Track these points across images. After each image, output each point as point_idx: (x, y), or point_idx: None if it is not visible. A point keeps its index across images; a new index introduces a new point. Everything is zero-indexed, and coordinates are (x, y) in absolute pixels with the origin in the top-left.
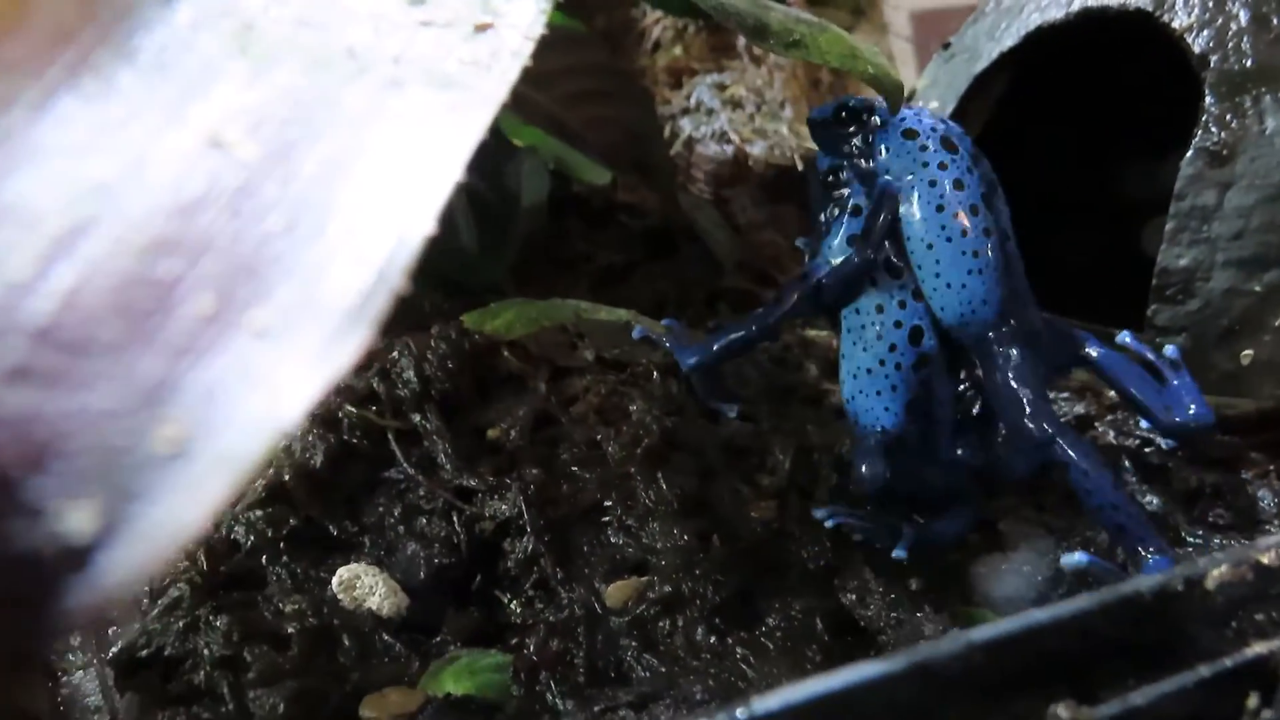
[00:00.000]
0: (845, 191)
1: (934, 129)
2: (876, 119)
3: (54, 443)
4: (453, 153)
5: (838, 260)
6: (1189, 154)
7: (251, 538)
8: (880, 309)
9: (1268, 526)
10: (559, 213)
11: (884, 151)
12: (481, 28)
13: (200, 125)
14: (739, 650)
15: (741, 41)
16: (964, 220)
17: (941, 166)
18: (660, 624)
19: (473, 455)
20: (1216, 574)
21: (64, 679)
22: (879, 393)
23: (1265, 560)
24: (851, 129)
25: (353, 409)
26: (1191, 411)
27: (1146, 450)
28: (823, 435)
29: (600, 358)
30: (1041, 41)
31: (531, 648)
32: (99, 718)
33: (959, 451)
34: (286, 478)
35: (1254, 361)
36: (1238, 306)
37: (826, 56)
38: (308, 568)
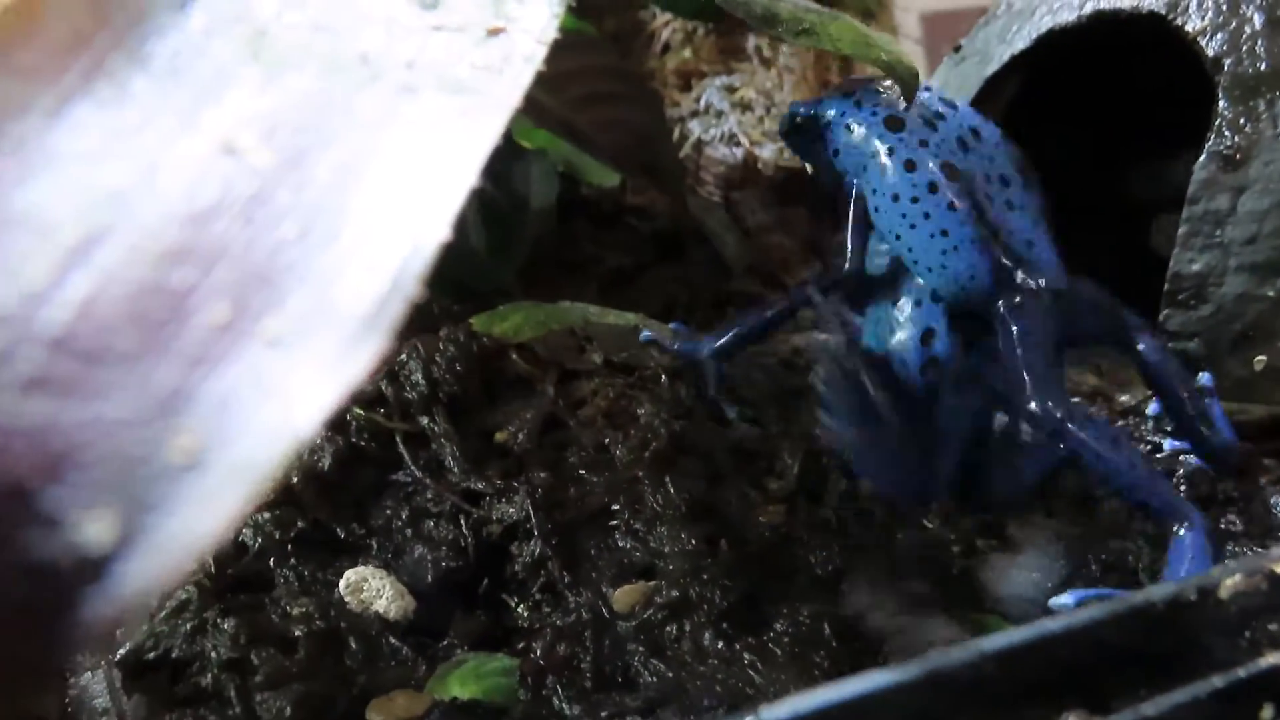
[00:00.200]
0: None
1: (873, 114)
2: (825, 120)
3: (70, 453)
4: (466, 158)
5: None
6: (1202, 158)
7: (259, 540)
8: (898, 306)
9: None
10: (568, 215)
11: (838, 153)
12: (494, 32)
13: (214, 132)
14: (746, 656)
15: (751, 44)
16: (924, 203)
17: (890, 152)
18: (667, 629)
19: (480, 458)
20: (1230, 583)
21: (72, 680)
22: None
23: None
24: (810, 137)
25: (361, 411)
26: (1223, 436)
27: (1158, 456)
28: (831, 439)
29: (609, 361)
30: (1053, 44)
31: (538, 652)
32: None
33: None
34: (294, 480)
35: (1267, 367)
36: (1251, 312)
37: (838, 44)
38: (315, 570)
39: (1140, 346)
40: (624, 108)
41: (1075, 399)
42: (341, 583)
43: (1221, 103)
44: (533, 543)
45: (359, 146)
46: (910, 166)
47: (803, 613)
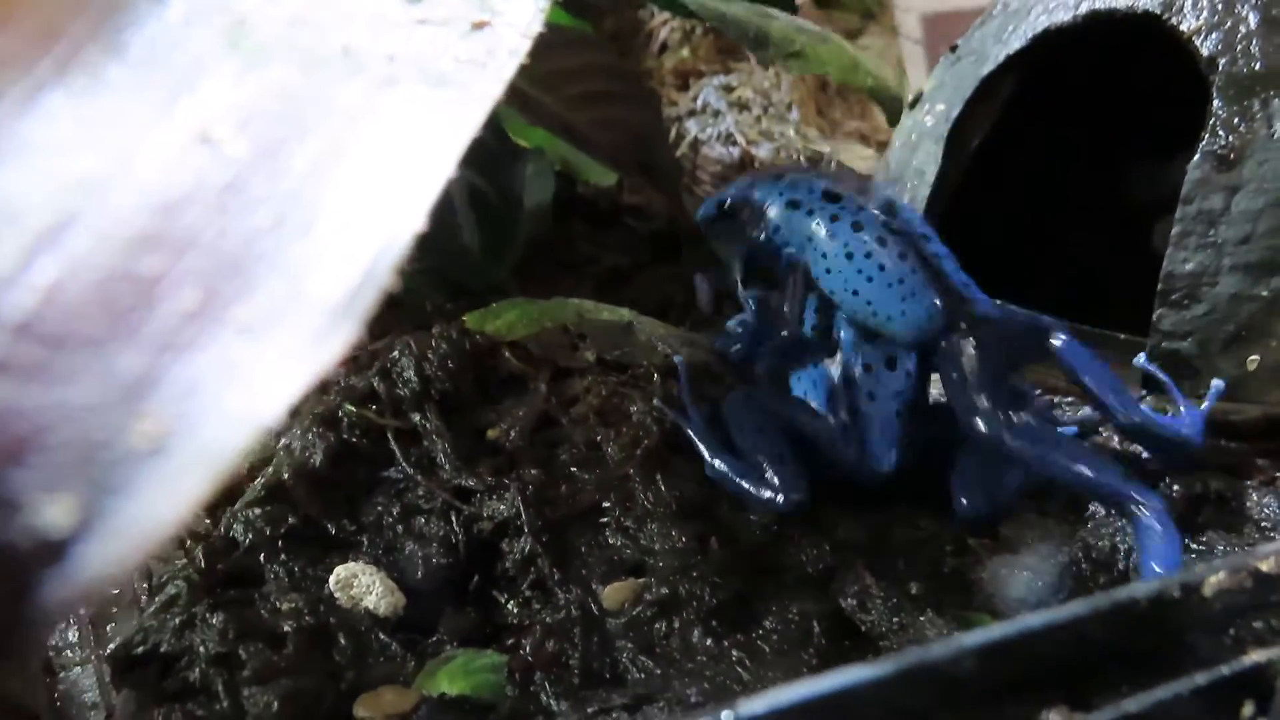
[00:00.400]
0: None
1: (811, 189)
2: (761, 202)
3: (32, 436)
4: (445, 150)
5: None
6: (1196, 157)
7: (250, 536)
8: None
9: (1272, 534)
10: (564, 214)
11: (777, 229)
12: (479, 25)
13: (189, 121)
14: (735, 653)
15: None
16: (877, 257)
17: (834, 219)
18: (657, 626)
19: (472, 455)
20: (1214, 581)
21: (61, 675)
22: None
23: (1264, 567)
24: (741, 218)
25: (353, 408)
26: (1185, 431)
27: (1145, 456)
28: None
29: (601, 359)
30: (1048, 44)
31: (527, 648)
32: (95, 714)
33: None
34: (286, 476)
35: (1260, 367)
36: (1244, 312)
37: (827, 67)
38: (305, 566)
39: (1054, 341)
40: (621, 107)
41: (1069, 399)
42: (331, 579)
43: (1216, 102)
44: (523, 540)
45: (337, 138)
46: (858, 227)
47: (792, 611)
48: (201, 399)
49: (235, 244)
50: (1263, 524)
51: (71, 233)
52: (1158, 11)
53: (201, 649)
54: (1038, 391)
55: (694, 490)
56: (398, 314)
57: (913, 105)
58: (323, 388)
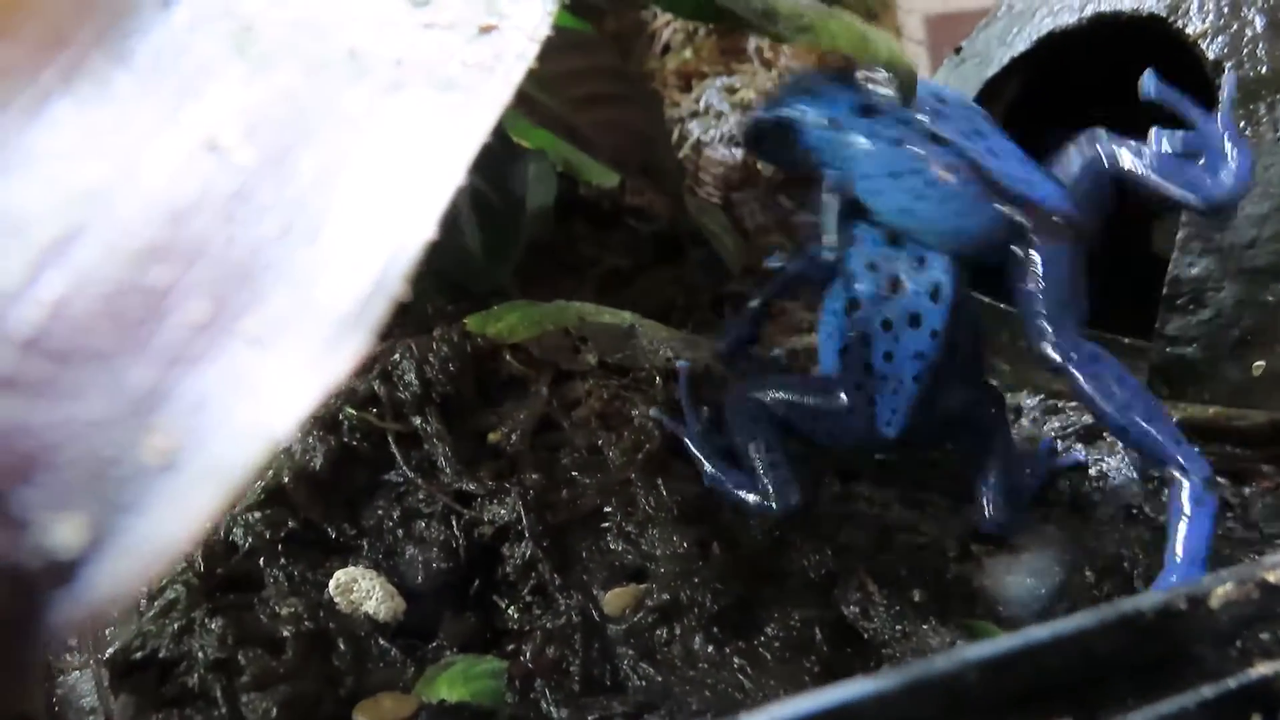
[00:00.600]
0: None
1: (847, 104)
2: (795, 120)
3: (41, 454)
4: (454, 156)
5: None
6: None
7: (249, 540)
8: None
9: (1279, 541)
10: (566, 216)
11: (812, 149)
12: (486, 29)
13: (196, 128)
14: (736, 660)
15: (752, 45)
16: (924, 173)
17: (875, 136)
18: (658, 632)
19: (473, 459)
20: (1221, 592)
21: (60, 679)
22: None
23: (1271, 578)
24: (777, 140)
25: (353, 411)
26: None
27: None
28: None
29: (603, 362)
30: (1053, 46)
31: (528, 654)
32: (94, 719)
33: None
34: (286, 480)
35: (1265, 372)
36: (1249, 317)
37: (837, 41)
38: (305, 570)
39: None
40: (623, 108)
41: (1073, 404)
42: (331, 583)
43: None
44: (524, 544)
45: (344, 144)
46: (900, 143)
47: (794, 617)
48: (212, 413)
49: (244, 253)
50: (1269, 532)
51: (78, 245)
52: (1163, 14)
53: (200, 654)
54: (1039, 398)
55: (695, 495)
56: (399, 317)
57: None
58: None
